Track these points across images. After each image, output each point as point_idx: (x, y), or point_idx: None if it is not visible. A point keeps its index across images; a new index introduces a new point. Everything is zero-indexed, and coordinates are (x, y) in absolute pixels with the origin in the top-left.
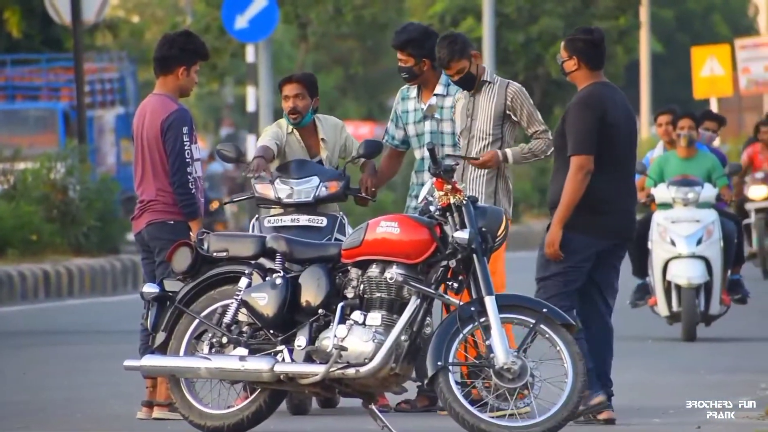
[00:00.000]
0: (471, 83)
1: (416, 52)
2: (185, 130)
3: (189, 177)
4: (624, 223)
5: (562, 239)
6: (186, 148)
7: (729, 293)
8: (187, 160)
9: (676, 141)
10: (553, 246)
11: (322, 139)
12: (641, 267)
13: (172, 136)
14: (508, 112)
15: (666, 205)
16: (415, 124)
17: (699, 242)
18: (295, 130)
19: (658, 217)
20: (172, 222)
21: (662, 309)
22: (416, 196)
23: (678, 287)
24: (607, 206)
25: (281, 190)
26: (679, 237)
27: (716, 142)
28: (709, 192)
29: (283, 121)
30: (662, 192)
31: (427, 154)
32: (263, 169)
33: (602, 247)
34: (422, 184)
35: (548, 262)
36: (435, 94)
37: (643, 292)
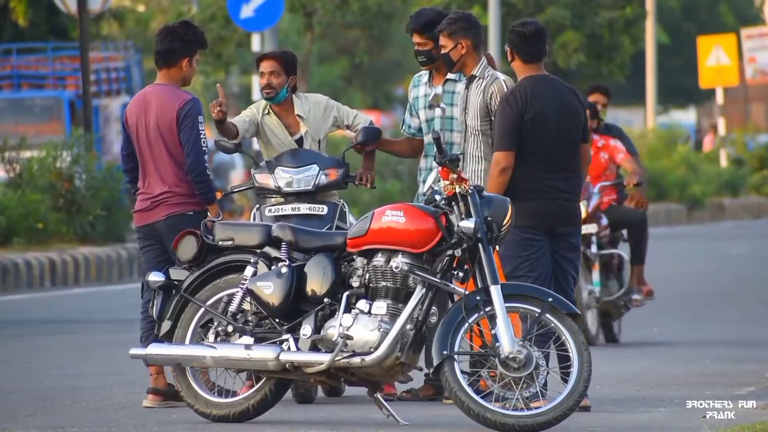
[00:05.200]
0: (447, 63)
1: (434, 35)
2: (200, 118)
3: (206, 165)
4: (551, 210)
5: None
6: (202, 136)
7: None
8: (204, 147)
9: None
10: None
11: (299, 115)
12: None
13: (189, 124)
14: (489, 109)
15: None
16: (425, 109)
17: None
18: (272, 110)
19: None
20: (191, 213)
21: None
22: (425, 181)
23: None
24: (527, 195)
25: (281, 179)
26: None
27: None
28: None
29: (261, 102)
30: None
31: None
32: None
33: (536, 232)
34: (430, 169)
35: (504, 260)
36: (447, 79)
37: None
